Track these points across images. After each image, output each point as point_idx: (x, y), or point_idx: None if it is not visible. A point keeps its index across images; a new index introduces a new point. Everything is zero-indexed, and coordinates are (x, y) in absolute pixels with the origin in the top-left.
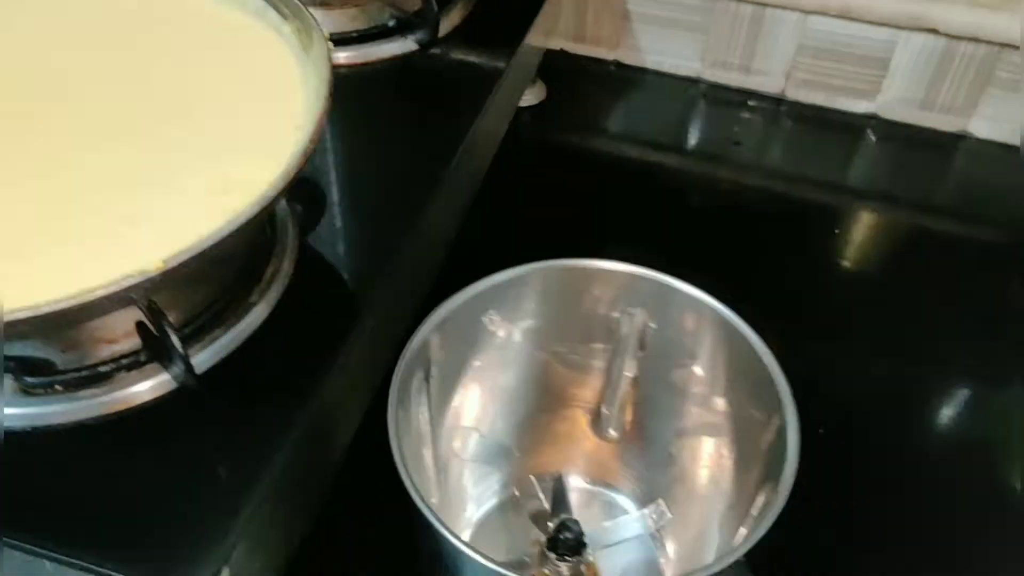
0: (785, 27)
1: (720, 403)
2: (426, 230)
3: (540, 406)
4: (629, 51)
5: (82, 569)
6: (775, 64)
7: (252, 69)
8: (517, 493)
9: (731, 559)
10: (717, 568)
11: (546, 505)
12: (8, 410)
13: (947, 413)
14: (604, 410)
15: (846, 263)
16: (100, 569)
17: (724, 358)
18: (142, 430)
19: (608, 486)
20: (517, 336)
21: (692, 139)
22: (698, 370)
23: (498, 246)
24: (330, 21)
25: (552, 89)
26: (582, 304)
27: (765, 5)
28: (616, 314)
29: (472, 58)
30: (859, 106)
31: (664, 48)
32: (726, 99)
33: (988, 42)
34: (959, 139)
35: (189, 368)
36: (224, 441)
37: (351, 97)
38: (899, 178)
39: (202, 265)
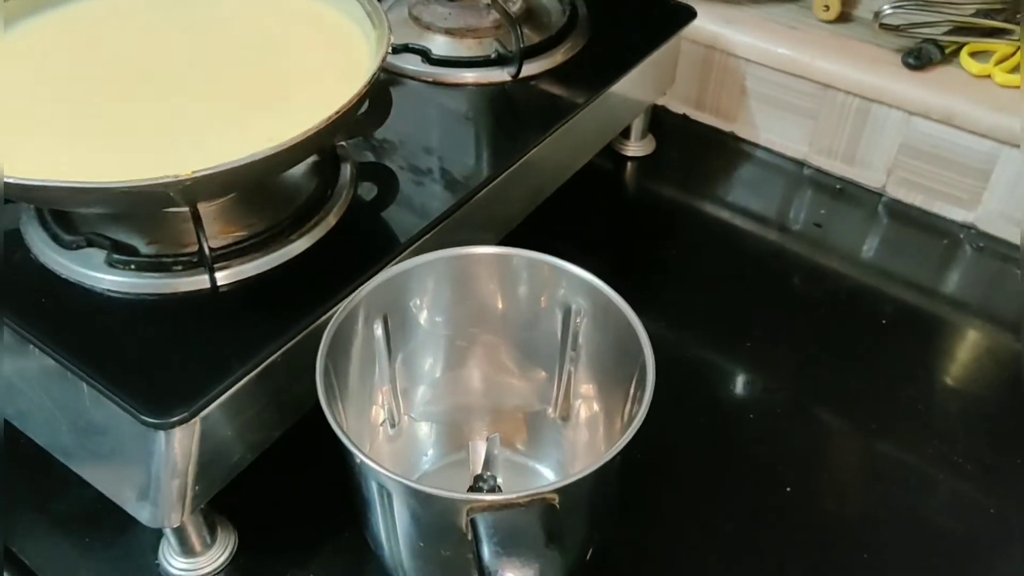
0: (889, 124)
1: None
2: (459, 221)
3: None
4: (744, 125)
5: (99, 391)
6: (877, 159)
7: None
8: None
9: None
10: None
11: (478, 468)
12: (93, 274)
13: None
14: (556, 392)
15: (882, 354)
16: (110, 394)
17: (602, 330)
18: (176, 311)
19: (535, 458)
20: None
21: (772, 210)
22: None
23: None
24: (451, 47)
25: (663, 145)
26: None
27: (871, 100)
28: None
29: (555, 94)
30: (957, 214)
31: (775, 127)
32: (827, 184)
33: None
34: None
35: (211, 271)
36: (229, 333)
37: (446, 106)
38: (979, 290)
39: (228, 184)
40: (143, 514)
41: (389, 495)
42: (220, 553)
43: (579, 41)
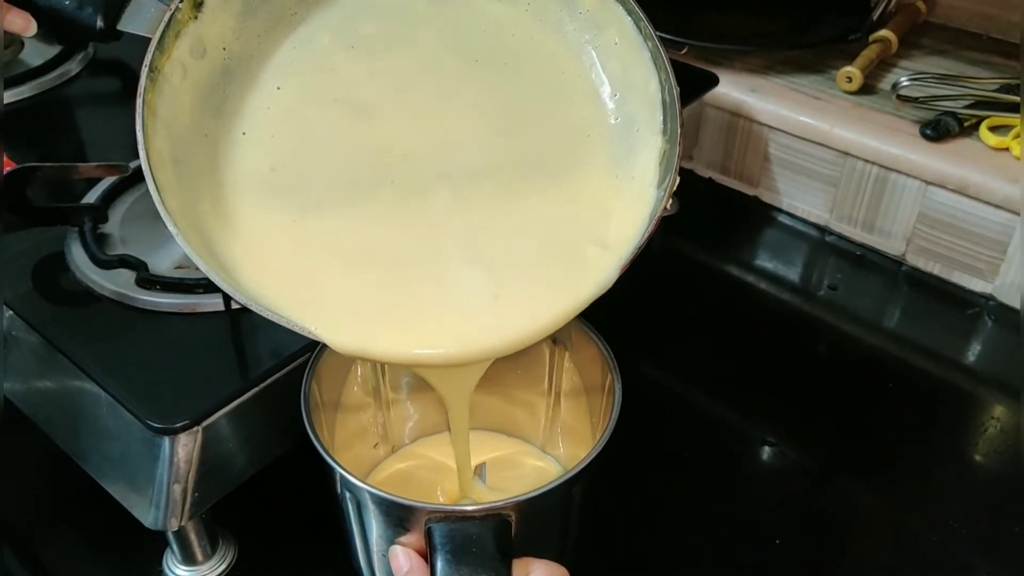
0: (907, 193)
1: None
2: None
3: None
4: (767, 191)
5: (114, 399)
6: (896, 227)
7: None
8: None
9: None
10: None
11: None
12: (123, 291)
13: None
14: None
15: (884, 415)
16: (123, 401)
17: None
18: (193, 328)
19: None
20: None
21: (791, 274)
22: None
23: None
24: None
25: (687, 207)
26: None
27: (889, 169)
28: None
29: None
30: (975, 284)
31: (797, 194)
32: (847, 251)
33: None
34: None
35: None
36: (238, 351)
37: None
38: (991, 360)
39: None
40: (147, 517)
41: (358, 502)
42: (220, 563)
43: None
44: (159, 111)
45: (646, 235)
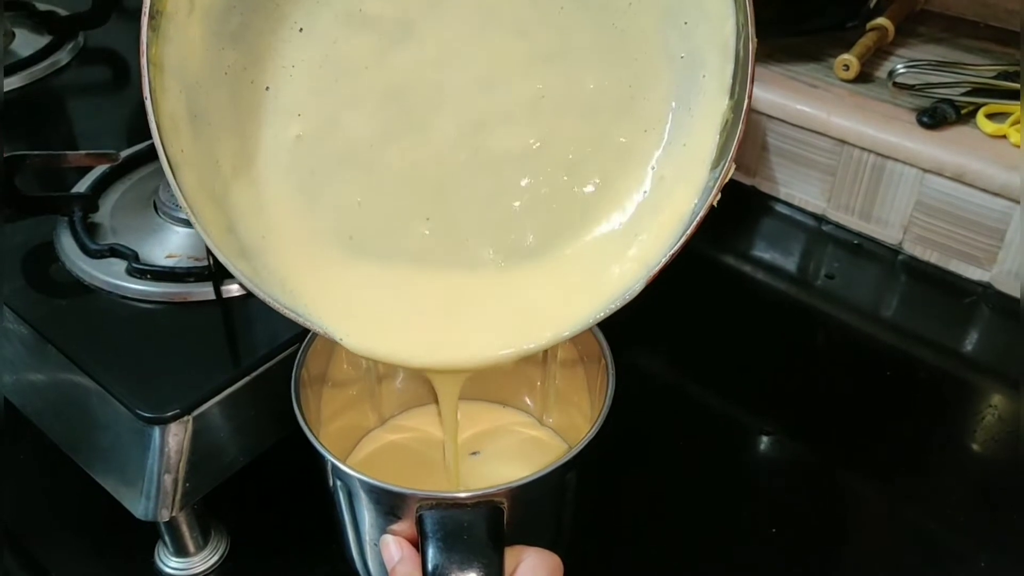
0: (904, 181)
1: None
2: None
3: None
4: (764, 180)
5: (104, 389)
6: (894, 216)
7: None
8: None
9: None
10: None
11: None
12: (114, 281)
13: None
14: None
15: (881, 403)
16: (113, 391)
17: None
18: (184, 317)
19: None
20: None
21: (787, 262)
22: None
23: None
24: None
25: None
26: None
27: (886, 157)
28: None
29: None
30: (972, 272)
31: (795, 183)
32: (845, 240)
33: None
34: None
35: (218, 283)
36: (229, 340)
37: None
38: (988, 348)
39: None
40: (137, 508)
41: (348, 491)
42: (212, 555)
43: None
44: (167, 63)
45: (683, 240)
